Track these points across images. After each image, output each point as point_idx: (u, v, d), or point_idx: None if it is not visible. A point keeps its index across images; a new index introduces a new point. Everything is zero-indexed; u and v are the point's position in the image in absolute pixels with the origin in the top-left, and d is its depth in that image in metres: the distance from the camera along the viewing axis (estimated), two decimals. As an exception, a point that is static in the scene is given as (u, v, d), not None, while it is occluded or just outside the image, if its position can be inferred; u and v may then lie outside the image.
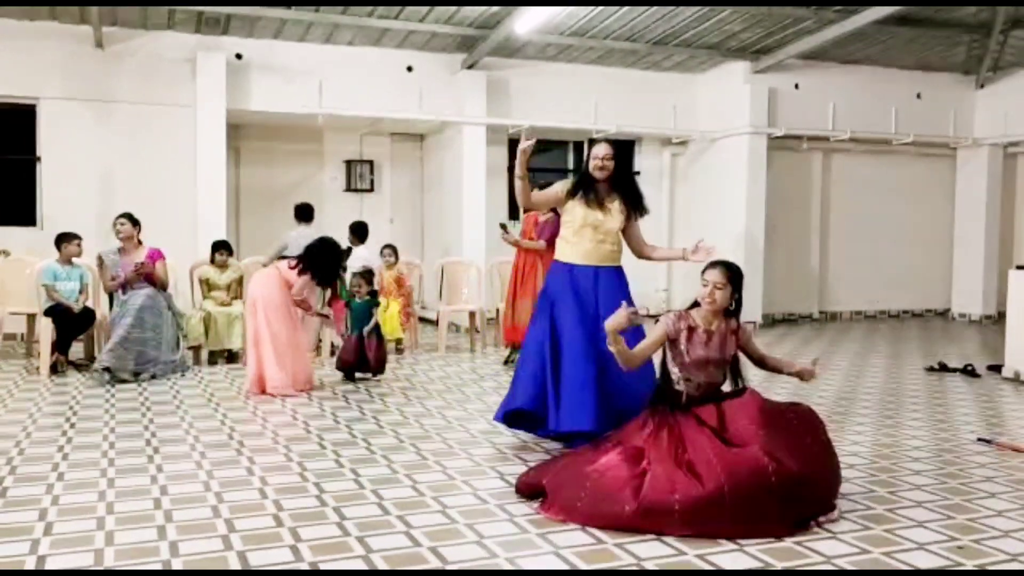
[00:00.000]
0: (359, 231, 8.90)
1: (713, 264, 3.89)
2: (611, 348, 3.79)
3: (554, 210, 7.77)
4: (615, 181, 4.88)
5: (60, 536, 3.35)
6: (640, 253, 5.06)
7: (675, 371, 3.88)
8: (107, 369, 6.70)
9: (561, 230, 5.00)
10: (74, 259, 7.45)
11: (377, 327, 7.20)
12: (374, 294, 7.38)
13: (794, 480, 3.41)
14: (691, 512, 3.33)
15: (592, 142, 5.01)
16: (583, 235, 4.83)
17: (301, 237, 7.88)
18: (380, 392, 6.51)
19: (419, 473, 4.29)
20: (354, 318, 7.17)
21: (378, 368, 7.11)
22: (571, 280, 4.81)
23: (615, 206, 4.86)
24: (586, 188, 4.85)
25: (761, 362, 4.08)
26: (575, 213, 4.84)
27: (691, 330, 3.84)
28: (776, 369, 4.13)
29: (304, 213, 8.73)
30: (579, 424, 4.58)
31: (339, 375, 7.18)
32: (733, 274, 3.84)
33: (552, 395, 4.69)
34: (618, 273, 4.91)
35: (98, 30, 9.08)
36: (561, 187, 4.98)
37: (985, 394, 6.69)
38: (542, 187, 5.37)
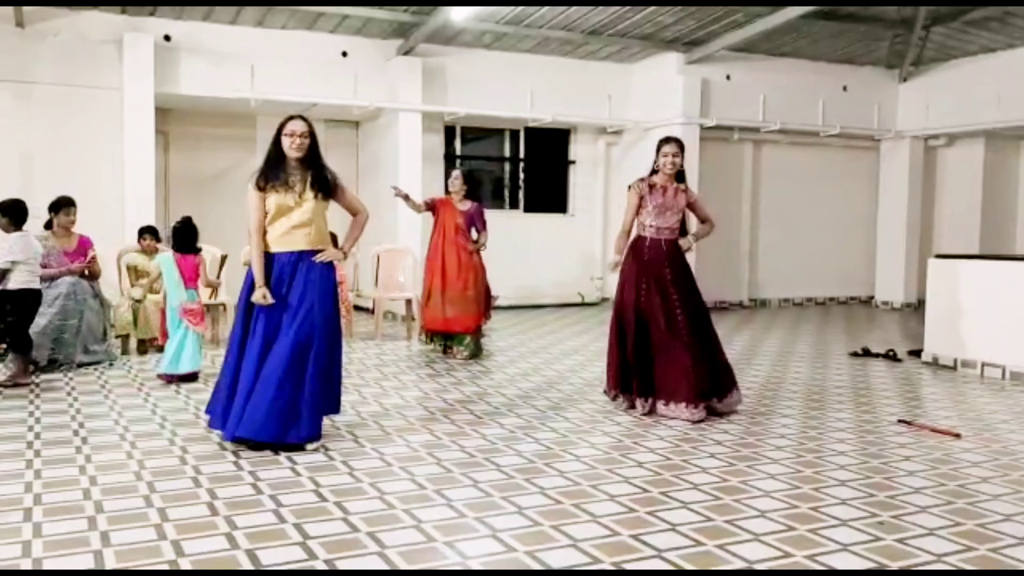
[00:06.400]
0: (12, 212, 6.25)
1: (667, 140, 5.46)
2: None
3: (478, 200, 7.81)
4: (306, 160, 4.54)
5: (-15, 529, 3.27)
6: (356, 219, 4.91)
7: (640, 219, 5.46)
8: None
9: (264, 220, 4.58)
10: None
11: None
12: None
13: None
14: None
15: (289, 119, 4.59)
16: (277, 225, 4.51)
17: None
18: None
19: (355, 460, 4.28)
20: None
21: None
22: (270, 270, 4.51)
23: (306, 186, 4.52)
24: (275, 173, 4.50)
25: (702, 220, 5.66)
26: (268, 202, 4.49)
27: (651, 187, 5.45)
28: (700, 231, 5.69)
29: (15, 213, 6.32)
30: (248, 431, 4.38)
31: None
32: (681, 146, 5.46)
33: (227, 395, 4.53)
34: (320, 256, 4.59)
35: (18, 8, 8.76)
36: (252, 186, 4.52)
37: (905, 378, 6.95)
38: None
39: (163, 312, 7.27)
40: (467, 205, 7.64)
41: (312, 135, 4.57)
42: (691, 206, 5.54)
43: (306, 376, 4.42)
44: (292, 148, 4.49)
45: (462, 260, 7.52)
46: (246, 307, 4.58)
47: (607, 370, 5.63)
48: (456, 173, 7.75)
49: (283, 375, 4.37)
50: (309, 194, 4.53)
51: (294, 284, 4.49)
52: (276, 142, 4.55)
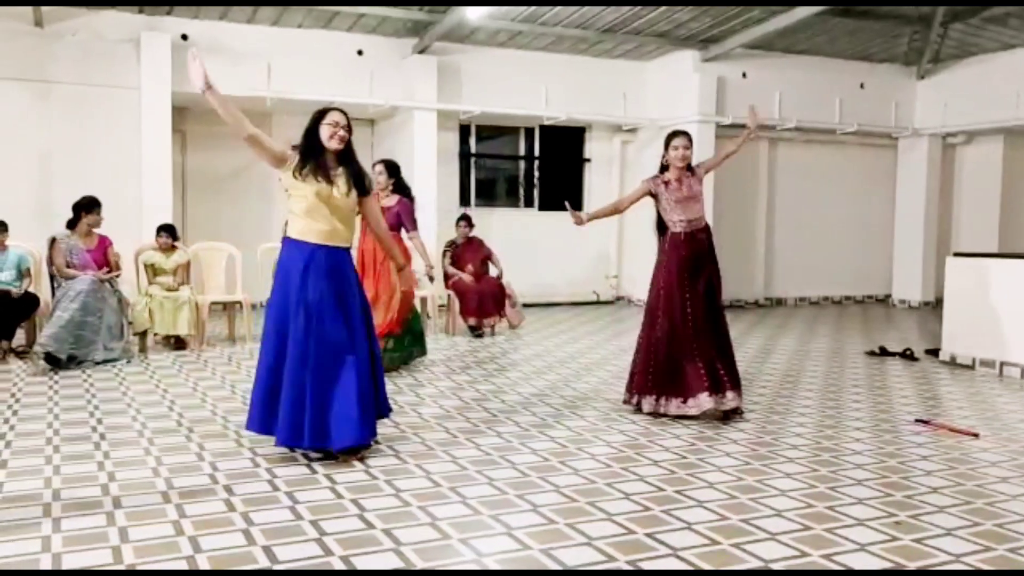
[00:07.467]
0: None
1: (676, 134, 5.42)
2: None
3: (406, 193, 6.93)
4: (343, 155, 4.37)
5: (5, 523, 3.29)
6: (376, 231, 4.66)
7: (668, 217, 5.40)
8: (47, 354, 6.54)
9: (290, 204, 4.35)
10: (9, 246, 7.27)
11: None
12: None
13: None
14: None
15: (326, 111, 4.37)
16: (315, 216, 4.27)
17: None
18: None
19: (371, 457, 4.29)
20: None
21: None
22: (313, 262, 4.24)
23: (343, 181, 4.33)
24: (316, 161, 4.27)
25: (725, 156, 5.77)
26: (304, 189, 4.24)
27: (666, 183, 5.40)
28: (732, 150, 5.75)
29: None
30: (293, 439, 4.20)
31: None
32: (690, 139, 5.46)
33: (266, 398, 4.28)
34: (349, 255, 4.42)
35: (37, 8, 8.83)
36: (284, 148, 4.33)
37: (923, 377, 6.90)
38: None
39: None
40: (392, 201, 6.85)
41: (350, 130, 4.40)
42: (708, 171, 5.59)
43: (364, 376, 4.31)
44: (333, 140, 4.27)
45: (377, 260, 6.69)
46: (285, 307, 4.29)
47: (632, 374, 5.43)
48: (379, 167, 6.89)
49: (366, 377, 4.28)
50: (352, 191, 4.37)
51: (334, 282, 4.28)
52: (312, 133, 4.34)
